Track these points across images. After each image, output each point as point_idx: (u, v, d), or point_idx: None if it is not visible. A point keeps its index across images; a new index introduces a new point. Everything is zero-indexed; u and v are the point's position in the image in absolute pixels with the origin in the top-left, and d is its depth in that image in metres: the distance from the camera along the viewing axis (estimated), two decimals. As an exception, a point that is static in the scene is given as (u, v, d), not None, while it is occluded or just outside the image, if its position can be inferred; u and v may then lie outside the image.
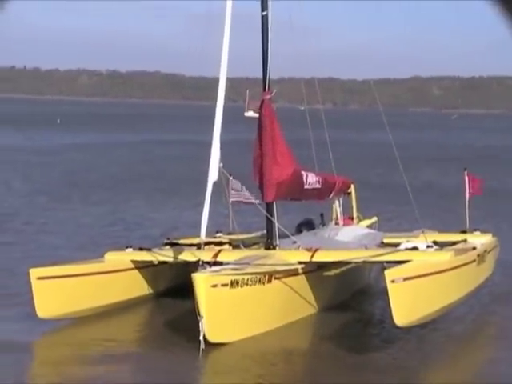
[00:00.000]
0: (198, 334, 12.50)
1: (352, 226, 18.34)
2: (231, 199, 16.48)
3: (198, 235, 14.01)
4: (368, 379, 12.02)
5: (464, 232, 17.66)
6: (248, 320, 13.45)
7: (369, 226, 19.11)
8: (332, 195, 18.05)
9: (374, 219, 19.98)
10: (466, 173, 18.26)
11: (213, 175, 13.99)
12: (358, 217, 19.27)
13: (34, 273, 13.90)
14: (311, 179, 16.58)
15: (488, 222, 23.74)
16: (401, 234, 18.01)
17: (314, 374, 12.28)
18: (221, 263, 13.93)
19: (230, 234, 17.90)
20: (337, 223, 18.41)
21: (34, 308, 13.78)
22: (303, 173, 16.36)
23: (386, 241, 17.19)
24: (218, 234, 17.89)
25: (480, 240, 17.05)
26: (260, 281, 13.55)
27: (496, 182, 36.22)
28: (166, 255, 15.33)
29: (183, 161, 48.23)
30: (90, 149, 60.24)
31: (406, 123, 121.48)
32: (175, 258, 15.07)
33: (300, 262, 14.57)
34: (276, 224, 15.46)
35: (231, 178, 16.73)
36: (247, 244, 16.72)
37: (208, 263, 13.64)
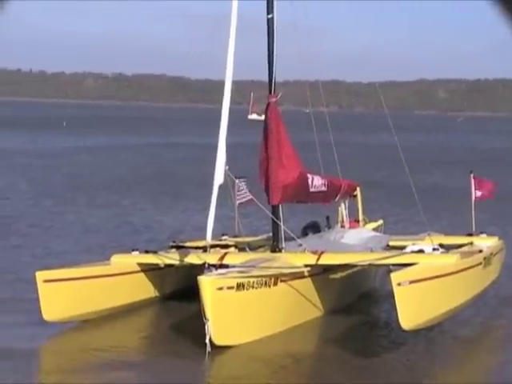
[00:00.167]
0: (204, 336, 12.50)
1: (358, 229, 18.33)
2: (237, 201, 16.49)
3: (204, 238, 14.03)
4: (374, 382, 12.01)
5: (470, 235, 17.64)
6: (254, 323, 13.45)
7: (374, 229, 19.09)
8: (338, 198, 18.04)
9: (380, 222, 19.96)
10: (472, 176, 18.25)
11: (219, 178, 13.99)
12: (363, 219, 19.25)
13: (40, 275, 13.91)
14: (317, 182, 16.58)
15: (494, 225, 23.75)
16: (407, 237, 17.98)
17: (320, 376, 12.26)
18: (227, 266, 13.93)
19: (235, 236, 17.89)
20: (343, 226, 18.40)
21: (40, 311, 13.79)
22: (309, 176, 16.35)
23: (391, 244, 17.17)
24: (224, 237, 17.89)
25: (486, 243, 17.03)
26: (266, 284, 13.55)
27: (502, 184, 36.08)
28: (172, 258, 15.33)
29: (190, 163, 48.25)
30: (96, 151, 60.30)
31: (411, 126, 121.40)
32: (181, 260, 15.07)
33: (306, 265, 14.56)
34: (282, 227, 15.46)
35: (237, 180, 16.74)
36: (253, 247, 16.71)
37: (214, 266, 13.64)
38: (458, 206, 23.03)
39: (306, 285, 14.61)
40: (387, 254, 15.23)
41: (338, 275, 15.57)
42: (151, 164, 50.72)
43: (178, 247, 16.53)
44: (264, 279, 13.51)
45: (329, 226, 18.34)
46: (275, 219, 15.47)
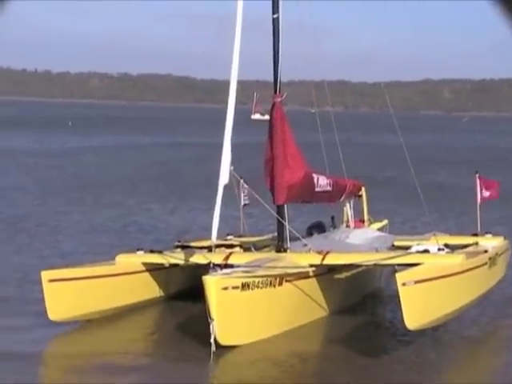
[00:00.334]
0: (209, 336, 12.51)
1: (363, 229, 18.33)
2: (242, 202, 16.51)
3: (209, 238, 14.04)
4: (380, 381, 12.00)
5: (475, 235, 17.62)
6: (259, 323, 13.45)
7: (380, 229, 19.09)
8: (343, 198, 18.04)
9: (385, 222, 19.96)
10: (477, 176, 18.24)
11: (224, 178, 14.00)
12: (368, 219, 19.25)
13: (46, 275, 13.93)
14: (322, 182, 16.58)
15: (500, 225, 23.71)
16: (412, 237, 17.97)
17: (325, 376, 12.26)
18: (232, 266, 13.94)
19: (240, 236, 17.91)
20: (348, 226, 18.41)
21: (46, 311, 13.81)
22: (314, 175, 16.36)
23: (396, 244, 17.17)
24: (229, 237, 17.89)
25: (491, 243, 17.01)
26: (271, 283, 13.55)
27: (507, 184, 36.10)
28: (177, 258, 15.34)
29: (196, 163, 48.25)
30: (102, 151, 60.36)
31: (417, 126, 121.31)
32: (186, 260, 15.08)
33: (311, 265, 14.57)
34: (287, 227, 15.46)
35: (242, 180, 16.77)
36: (258, 247, 16.71)
37: (219, 266, 13.65)
38: (463, 206, 23.05)
39: (311, 285, 14.61)
40: (392, 254, 15.22)
41: (343, 275, 15.57)
42: (157, 164, 50.75)
43: (183, 247, 16.53)
44: (269, 279, 13.51)
45: (334, 226, 18.34)
46: (280, 219, 15.47)
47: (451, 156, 63.83)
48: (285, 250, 15.40)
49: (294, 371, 12.37)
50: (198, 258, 14.80)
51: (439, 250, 15.13)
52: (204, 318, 12.72)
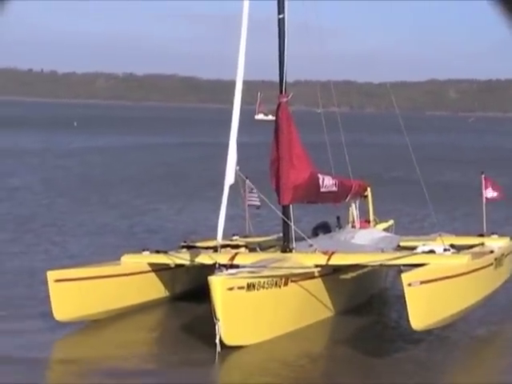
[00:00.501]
0: (214, 337, 12.50)
1: (368, 229, 18.31)
2: (247, 203, 16.51)
3: (215, 238, 14.03)
4: (386, 382, 11.98)
5: (481, 235, 17.60)
6: (264, 323, 13.44)
7: (385, 229, 19.08)
8: (348, 198, 18.03)
9: (391, 222, 19.94)
10: (483, 176, 18.22)
11: (229, 178, 13.99)
12: (374, 220, 19.23)
13: (52, 275, 13.94)
14: (328, 182, 16.57)
15: (506, 226, 23.66)
16: (417, 238, 17.95)
17: (331, 376, 12.26)
18: (237, 266, 13.93)
19: (246, 236, 17.91)
20: (353, 226, 18.39)
21: (52, 311, 13.82)
22: (320, 176, 16.34)
23: (402, 244, 17.14)
24: (235, 237, 17.89)
25: (497, 243, 16.98)
26: (276, 284, 13.54)
27: (513, 185, 36.08)
28: (183, 258, 15.34)
29: (202, 163, 48.24)
30: (108, 151, 60.43)
31: (423, 126, 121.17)
32: (192, 260, 15.08)
33: (316, 265, 14.55)
34: (292, 227, 15.45)
35: (247, 180, 16.77)
36: (263, 247, 16.70)
37: (224, 266, 13.63)
38: (470, 206, 22.98)
39: (317, 285, 14.60)
40: (398, 254, 15.20)
41: (349, 275, 15.55)
42: (163, 164, 50.78)
43: (189, 247, 16.53)
44: (274, 279, 13.50)
45: (339, 227, 18.32)
46: (286, 219, 15.46)
47: (458, 156, 63.73)
48: (290, 251, 15.39)
49: (300, 372, 12.35)
50: (204, 259, 14.79)
51: (445, 250, 15.11)
52: (209, 319, 12.71)
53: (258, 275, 13.28)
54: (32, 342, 13.30)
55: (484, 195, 18.13)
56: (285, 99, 15.66)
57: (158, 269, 15.65)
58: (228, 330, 12.61)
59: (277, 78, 15.83)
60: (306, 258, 14.78)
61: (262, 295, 13.24)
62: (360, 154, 44.60)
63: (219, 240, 13.93)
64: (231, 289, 12.72)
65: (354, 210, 18.61)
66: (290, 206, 15.60)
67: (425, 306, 12.69)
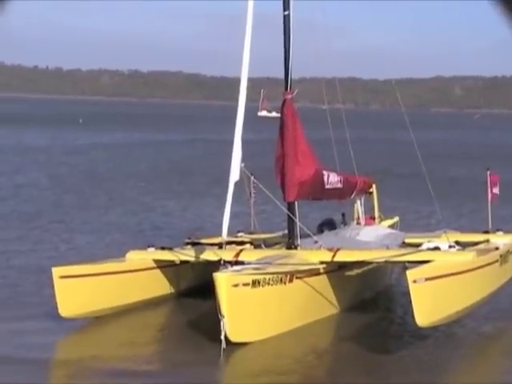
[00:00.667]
0: (220, 333, 12.51)
1: (373, 226, 18.30)
2: (253, 199, 16.51)
3: (220, 234, 14.03)
4: (391, 379, 11.98)
5: (486, 232, 17.58)
6: (269, 320, 13.45)
7: (390, 226, 19.07)
8: (353, 195, 18.02)
9: (396, 219, 19.93)
10: (488, 173, 18.20)
11: (234, 175, 13.99)
12: (379, 217, 19.22)
13: (57, 271, 13.96)
14: (333, 179, 16.57)
15: (511, 222, 23.61)
16: (422, 234, 17.94)
17: (334, 373, 12.27)
18: (242, 263, 13.93)
19: (251, 233, 17.91)
20: (358, 223, 18.38)
21: (56, 307, 13.84)
22: (325, 172, 16.34)
23: (407, 241, 17.13)
24: (240, 234, 17.89)
25: (503, 240, 16.96)
26: (281, 280, 13.54)
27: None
28: (188, 254, 15.35)
29: (208, 160, 48.22)
30: (114, 148, 60.45)
31: (428, 123, 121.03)
32: (197, 257, 15.09)
33: (321, 262, 14.55)
34: (297, 224, 15.45)
35: (252, 177, 16.77)
36: (269, 244, 16.71)
37: (229, 263, 13.64)
38: (477, 203, 22.91)
39: (322, 282, 14.60)
40: (403, 251, 15.20)
41: (354, 272, 15.55)
42: (169, 160, 50.80)
43: (194, 244, 16.55)
44: (279, 276, 13.50)
45: (344, 223, 18.32)
46: (291, 216, 15.45)
47: (463, 153, 63.62)
48: (295, 247, 15.39)
49: (303, 368, 12.36)
50: (209, 255, 14.80)
51: (450, 247, 15.08)
52: (214, 315, 12.72)
53: (263, 272, 13.29)
54: (34, 341, 13.23)
55: (489, 192, 18.11)
56: (290, 96, 15.66)
57: (163, 265, 15.66)
58: (233, 326, 12.62)
59: (282, 75, 15.82)
60: (311, 255, 14.78)
61: (267, 292, 13.25)
62: (365, 150, 44.55)
63: (224, 237, 13.94)
64: (236, 285, 12.72)
65: (359, 207, 18.60)
66: (295, 202, 15.60)
67: (430, 303, 12.68)
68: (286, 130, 15.48)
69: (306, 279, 14.14)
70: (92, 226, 25.18)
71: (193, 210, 29.25)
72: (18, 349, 12.73)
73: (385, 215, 19.61)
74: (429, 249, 15.01)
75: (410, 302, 12.37)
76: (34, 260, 19.51)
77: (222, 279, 12.63)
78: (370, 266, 15.67)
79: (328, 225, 17.94)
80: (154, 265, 15.58)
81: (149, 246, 16.05)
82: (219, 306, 12.60)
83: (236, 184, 14.10)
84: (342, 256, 14.65)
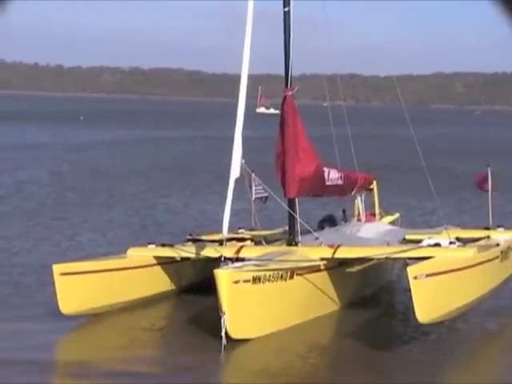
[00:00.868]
0: (220, 330, 12.52)
1: (374, 223, 18.31)
2: (253, 196, 16.50)
3: (221, 231, 14.03)
4: (392, 376, 11.98)
5: (487, 228, 17.59)
6: (270, 316, 13.46)
7: (391, 223, 19.08)
8: (354, 191, 18.03)
9: (397, 215, 19.94)
10: (489, 169, 18.21)
11: (235, 172, 13.99)
12: (380, 213, 19.23)
13: (57, 268, 13.96)
14: (333, 176, 16.57)
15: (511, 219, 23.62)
16: (423, 231, 17.95)
17: (335, 370, 12.26)
18: (243, 259, 13.95)
19: (252, 230, 17.91)
20: (359, 219, 18.39)
21: (57, 304, 13.85)
22: (325, 169, 16.34)
23: (408, 237, 17.13)
24: (240, 230, 17.90)
25: (504, 236, 16.96)
26: (282, 277, 13.55)
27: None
28: (188, 251, 15.36)
29: (209, 156, 48.20)
30: (115, 145, 60.47)
31: (429, 119, 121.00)
32: (197, 254, 15.09)
33: (322, 259, 14.56)
34: (298, 220, 15.46)
35: (253, 174, 16.77)
36: (269, 240, 16.71)
37: (230, 259, 13.66)
38: (479, 199, 22.90)
39: (322, 278, 14.61)
40: (403, 247, 15.20)
41: (355, 269, 15.55)
42: (171, 157, 50.81)
43: (195, 240, 16.55)
44: (280, 272, 13.51)
45: (345, 220, 18.33)
46: (292, 212, 15.46)
47: (465, 149, 63.57)
48: (296, 244, 15.40)
49: (304, 365, 12.36)
50: (209, 252, 14.81)
51: (451, 243, 15.09)
52: (215, 312, 12.73)
53: (264, 268, 13.30)
54: (34, 341, 13.14)
55: (489, 188, 18.13)
56: (290, 93, 15.65)
57: (163, 262, 15.67)
58: (234, 323, 12.63)
59: (282, 72, 15.81)
60: (312, 252, 14.79)
61: (268, 288, 13.26)
62: (366, 147, 44.56)
63: (225, 233, 13.94)
64: (237, 282, 12.73)
65: (359, 204, 18.61)
66: (296, 199, 15.61)
67: (430, 299, 12.68)
68: (286, 127, 15.48)
69: (307, 276, 14.15)
70: (94, 223, 25.19)
71: (195, 207, 29.25)
72: (19, 349, 12.68)
73: (386, 211, 19.62)
74: (429, 245, 15.00)
75: (411, 298, 12.38)
76: (36, 257, 19.53)
77: (222, 276, 12.64)
78: (371, 263, 15.67)
79: (329, 221, 17.95)
80: (154, 261, 15.59)
81: (149, 243, 16.07)
82: (220, 303, 12.60)
83: (237, 181, 14.10)
84: (343, 252, 14.66)
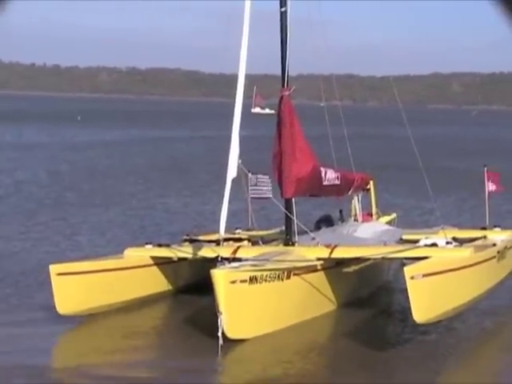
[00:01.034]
0: (217, 330, 12.52)
1: (371, 223, 18.32)
2: (250, 196, 16.48)
3: (217, 231, 14.03)
4: (390, 375, 11.99)
5: (484, 228, 17.60)
6: (267, 316, 13.46)
7: (388, 223, 19.08)
8: (351, 191, 18.03)
9: (393, 215, 19.95)
10: (485, 169, 18.23)
11: (232, 172, 14.00)
12: (377, 213, 19.24)
13: (54, 269, 13.97)
14: (330, 175, 16.58)
15: (508, 219, 23.65)
16: (420, 231, 17.95)
17: (332, 369, 12.28)
18: (240, 259, 13.96)
19: (248, 230, 17.91)
20: (356, 219, 18.39)
21: (54, 304, 13.85)
22: (322, 169, 16.35)
23: (405, 237, 17.14)
24: (237, 231, 17.91)
25: (500, 236, 16.98)
26: (279, 277, 13.56)
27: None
28: (185, 251, 15.36)
29: (207, 156, 48.13)
30: (112, 145, 60.45)
31: (426, 119, 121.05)
32: (194, 254, 15.10)
33: (319, 259, 14.57)
34: (295, 220, 15.46)
35: (250, 174, 16.75)
36: (266, 240, 16.73)
37: (227, 259, 13.66)
38: (479, 199, 22.91)
39: (319, 278, 14.62)
40: (400, 247, 15.21)
41: (351, 269, 15.57)
42: (169, 157, 50.81)
43: (191, 240, 16.56)
44: (277, 273, 13.52)
45: (342, 220, 18.33)
46: (288, 213, 15.47)
47: (462, 148, 63.62)
48: (293, 244, 15.41)
49: (301, 365, 12.38)
50: (206, 252, 14.82)
51: (447, 243, 15.10)
52: (212, 312, 12.74)
53: (261, 268, 13.31)
54: (28, 347, 13.01)
55: (486, 188, 18.15)
56: (287, 93, 15.66)
57: (160, 262, 15.68)
58: (231, 323, 12.64)
59: (279, 72, 15.82)
60: (309, 252, 14.80)
61: (265, 288, 13.27)
62: (363, 147, 44.58)
63: (222, 233, 13.94)
64: (234, 282, 12.74)
65: (356, 204, 18.62)
66: (293, 199, 15.62)
67: (427, 299, 12.69)
68: (283, 127, 15.49)
69: (304, 276, 14.16)
70: (93, 223, 25.19)
71: (193, 207, 29.25)
72: (16, 352, 12.61)
73: (383, 211, 19.63)
74: (426, 245, 15.01)
75: (408, 298, 12.39)
76: (35, 257, 19.54)
77: (219, 276, 12.64)
78: (368, 263, 15.68)
79: (325, 221, 17.95)
80: (151, 262, 15.59)
81: (146, 243, 16.08)
82: (217, 303, 12.61)
83: (234, 181, 14.10)
84: (340, 252, 14.67)
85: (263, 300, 13.33)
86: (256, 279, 13.10)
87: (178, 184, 36.30)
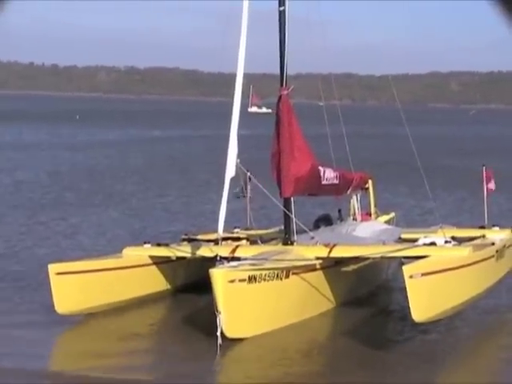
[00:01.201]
0: (216, 329, 12.52)
1: (370, 222, 18.32)
2: (249, 195, 16.50)
3: (216, 231, 14.02)
4: (389, 374, 11.99)
5: (483, 227, 17.60)
6: (265, 315, 13.46)
7: (387, 222, 19.09)
8: (350, 191, 18.03)
9: (392, 215, 19.96)
10: (484, 168, 18.23)
11: (230, 171, 13.99)
12: (375, 212, 19.24)
13: (53, 268, 13.97)
14: (329, 175, 16.57)
15: (507, 218, 23.63)
16: (419, 230, 17.95)
17: (332, 368, 12.27)
18: (238, 259, 13.95)
19: (247, 229, 17.91)
20: (354, 219, 18.40)
21: (53, 304, 13.84)
22: (321, 168, 16.35)
23: (403, 236, 17.14)
24: (236, 230, 17.91)
25: (499, 235, 16.98)
26: (278, 276, 13.56)
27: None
28: (184, 251, 15.36)
29: (206, 156, 48.11)
30: (111, 145, 60.43)
31: (424, 119, 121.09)
32: (193, 253, 15.09)
33: (318, 258, 14.57)
34: (294, 220, 15.46)
35: (248, 173, 16.76)
36: (265, 239, 16.73)
37: (226, 259, 13.65)
38: (477, 199, 22.92)
39: (318, 277, 14.62)
40: (399, 246, 15.21)
41: (350, 268, 15.57)
42: (167, 157, 50.80)
43: (190, 240, 16.56)
44: (276, 272, 13.52)
45: (341, 219, 18.33)
46: (287, 212, 15.47)
47: (461, 148, 63.63)
48: (291, 243, 15.41)
49: (300, 364, 12.38)
50: (205, 251, 14.82)
51: (446, 242, 15.11)
52: (211, 311, 12.73)
53: (260, 268, 13.30)
54: (26, 349, 12.96)
55: (484, 187, 18.15)
56: (286, 92, 15.66)
57: (159, 261, 15.68)
58: (229, 322, 12.64)
59: (278, 71, 15.81)
60: (308, 251, 14.80)
61: (264, 288, 13.26)
62: (362, 146, 44.59)
63: (220, 233, 13.92)
64: (232, 281, 12.74)
65: (355, 203, 18.62)
66: (291, 198, 15.61)
67: (426, 298, 12.70)
68: (281, 126, 15.49)
69: (303, 275, 14.16)
70: (93, 223, 25.19)
71: (193, 207, 29.25)
72: (14, 355, 12.55)
73: (381, 210, 19.62)
74: (425, 244, 15.01)
75: (407, 297, 12.39)
76: (35, 256, 19.54)
77: (218, 275, 12.64)
78: (367, 262, 15.68)
79: (324, 221, 17.96)
80: (150, 261, 15.59)
81: (145, 242, 16.07)
82: (215, 302, 12.61)
83: (232, 180, 14.09)
84: (339, 252, 14.67)
85: (262, 299, 13.33)
86: (255, 278, 13.10)
87: (178, 183, 36.30)
